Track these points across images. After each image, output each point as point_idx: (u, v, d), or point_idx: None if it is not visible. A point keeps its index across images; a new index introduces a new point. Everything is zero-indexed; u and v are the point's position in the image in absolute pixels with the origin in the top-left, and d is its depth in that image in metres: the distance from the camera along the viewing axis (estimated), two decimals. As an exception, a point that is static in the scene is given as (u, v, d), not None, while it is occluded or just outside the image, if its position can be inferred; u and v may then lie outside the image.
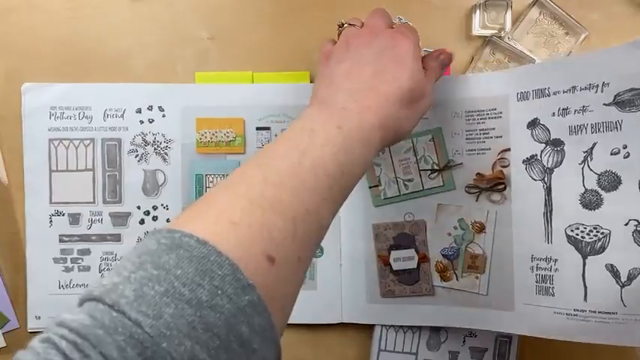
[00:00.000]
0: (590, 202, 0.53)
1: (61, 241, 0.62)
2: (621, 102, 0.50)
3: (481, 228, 0.58)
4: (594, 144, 0.52)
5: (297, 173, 0.39)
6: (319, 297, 0.63)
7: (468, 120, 0.58)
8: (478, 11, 0.62)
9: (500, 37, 0.62)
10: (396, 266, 0.62)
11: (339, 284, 0.63)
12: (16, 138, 0.62)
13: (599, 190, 0.52)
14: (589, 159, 0.52)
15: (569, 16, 0.61)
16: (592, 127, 0.52)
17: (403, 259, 0.62)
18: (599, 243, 0.52)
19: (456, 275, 0.60)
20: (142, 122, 0.63)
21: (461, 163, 0.59)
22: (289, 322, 0.62)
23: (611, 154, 0.51)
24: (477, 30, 0.62)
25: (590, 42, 0.61)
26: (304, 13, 0.64)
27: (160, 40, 0.64)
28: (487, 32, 0.62)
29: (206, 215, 0.35)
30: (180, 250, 0.32)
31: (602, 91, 0.51)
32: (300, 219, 0.37)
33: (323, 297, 0.63)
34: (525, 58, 0.62)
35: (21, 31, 0.63)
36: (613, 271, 0.52)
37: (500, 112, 0.56)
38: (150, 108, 0.63)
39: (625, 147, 0.51)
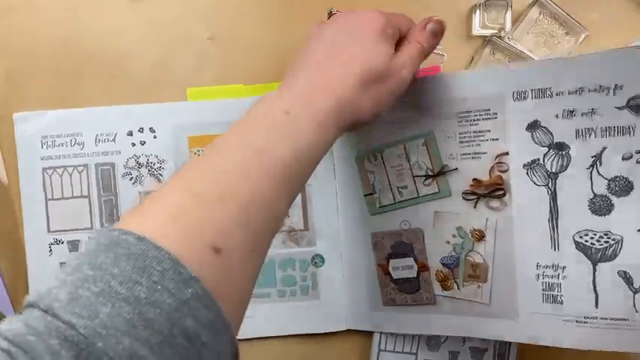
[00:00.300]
0: (600, 207, 0.48)
1: (61, 269, 0.61)
2: (635, 106, 0.45)
3: (481, 236, 0.54)
4: (604, 148, 0.47)
5: (244, 162, 0.37)
6: (322, 307, 0.61)
7: (460, 122, 0.53)
8: (478, 11, 0.59)
9: (500, 37, 0.58)
10: (395, 275, 0.58)
11: (341, 293, 0.61)
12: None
13: (610, 195, 0.48)
14: (598, 164, 0.48)
15: (569, 16, 0.58)
16: (602, 131, 0.47)
17: (402, 268, 0.58)
18: (611, 249, 0.48)
19: (457, 284, 0.56)
20: (133, 145, 0.60)
21: (456, 169, 0.54)
22: (291, 332, 0.61)
23: (623, 158, 0.47)
24: (476, 30, 0.59)
25: (590, 42, 0.58)
26: (305, 13, 0.61)
27: (159, 40, 0.61)
28: (487, 32, 0.59)
29: (147, 211, 0.34)
30: (117, 249, 0.30)
31: (614, 94, 0.46)
32: (248, 208, 0.35)
33: (326, 306, 0.61)
34: (525, 58, 0.58)
35: (21, 31, 0.61)
36: (625, 277, 0.47)
37: (495, 113, 0.51)
38: (141, 130, 0.60)
39: (638, 152, 0.46)
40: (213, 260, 0.32)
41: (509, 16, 0.59)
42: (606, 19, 0.58)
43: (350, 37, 0.45)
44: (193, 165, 0.38)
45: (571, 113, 0.48)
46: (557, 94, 0.48)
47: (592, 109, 0.47)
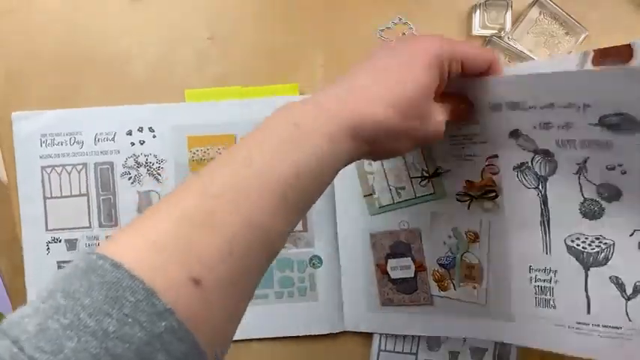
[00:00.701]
0: (591, 211, 0.46)
1: (59, 268, 0.60)
2: (609, 124, 0.43)
3: (475, 237, 0.53)
4: (586, 158, 0.45)
5: (240, 182, 0.34)
6: (321, 308, 0.61)
7: (448, 124, 0.49)
8: (478, 11, 0.59)
9: (500, 37, 0.59)
10: (393, 275, 0.58)
11: (339, 294, 0.60)
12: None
13: (600, 200, 0.46)
14: (584, 171, 0.46)
15: (569, 16, 0.58)
16: (581, 143, 0.45)
17: (400, 268, 0.58)
18: (602, 254, 0.46)
19: (453, 285, 0.56)
20: (132, 144, 0.60)
21: (449, 170, 0.54)
22: (289, 334, 0.60)
23: (607, 169, 0.45)
24: (477, 30, 0.59)
25: (590, 42, 0.57)
26: (305, 13, 0.61)
27: (159, 40, 0.61)
28: (487, 32, 0.59)
29: (132, 234, 0.32)
30: (92, 276, 0.29)
31: (584, 112, 0.43)
32: (239, 235, 0.33)
33: (324, 307, 0.61)
34: (525, 58, 0.58)
35: (21, 32, 0.61)
36: (618, 283, 0.46)
37: (478, 120, 0.49)
38: (140, 129, 0.60)
39: (621, 165, 0.44)
40: (192, 292, 0.31)
41: (509, 16, 0.59)
42: (606, 19, 0.58)
43: (402, 57, 0.41)
44: (186, 186, 0.35)
45: (547, 125, 0.46)
46: (530, 108, 0.46)
47: (566, 122, 0.45)
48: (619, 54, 0.45)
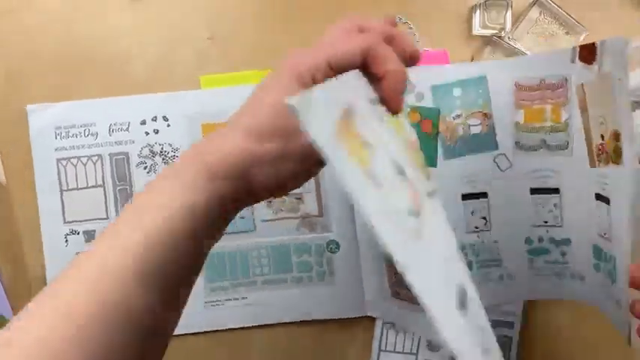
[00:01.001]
0: None
1: (78, 259, 0.61)
2: None
3: None
4: None
5: (99, 262, 0.32)
6: (339, 292, 0.61)
7: None
8: (478, 11, 0.60)
9: (500, 37, 0.60)
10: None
11: (358, 279, 0.61)
12: (16, 139, 0.60)
13: None
14: None
15: (569, 15, 0.59)
16: None
17: None
18: None
19: None
20: (147, 134, 0.60)
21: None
22: (307, 318, 0.62)
23: None
24: (477, 30, 0.60)
25: (590, 41, 0.60)
26: (305, 13, 0.61)
27: (159, 40, 0.61)
28: (487, 32, 0.60)
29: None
30: None
31: None
32: (92, 320, 0.30)
33: (343, 292, 0.61)
34: (525, 58, 0.60)
35: (21, 32, 0.60)
36: None
37: None
38: (154, 119, 0.60)
39: None
40: None
41: (509, 16, 0.60)
42: (606, 18, 0.59)
43: (261, 83, 0.38)
44: (68, 268, 0.33)
45: None
46: None
47: None
48: (588, 53, 0.48)
